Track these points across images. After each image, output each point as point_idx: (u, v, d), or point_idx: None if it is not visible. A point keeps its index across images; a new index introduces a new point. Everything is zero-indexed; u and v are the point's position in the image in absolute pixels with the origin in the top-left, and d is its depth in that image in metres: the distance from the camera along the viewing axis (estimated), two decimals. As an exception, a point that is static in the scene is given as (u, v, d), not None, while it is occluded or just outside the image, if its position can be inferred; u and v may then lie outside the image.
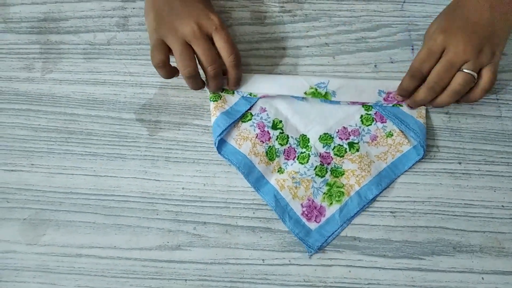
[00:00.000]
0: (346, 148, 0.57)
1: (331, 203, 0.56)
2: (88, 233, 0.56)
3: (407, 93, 0.55)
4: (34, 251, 0.56)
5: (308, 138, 0.58)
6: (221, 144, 0.57)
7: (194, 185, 0.57)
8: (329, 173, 0.57)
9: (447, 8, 0.55)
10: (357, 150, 0.57)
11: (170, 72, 0.53)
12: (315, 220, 0.56)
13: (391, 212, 0.56)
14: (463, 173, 0.57)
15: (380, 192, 0.56)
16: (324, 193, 0.56)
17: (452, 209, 0.56)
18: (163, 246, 0.56)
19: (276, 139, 0.58)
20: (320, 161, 0.57)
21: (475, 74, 0.51)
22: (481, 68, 0.52)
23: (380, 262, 0.55)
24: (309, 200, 0.56)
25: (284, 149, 0.58)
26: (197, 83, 0.55)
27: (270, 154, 0.57)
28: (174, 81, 0.60)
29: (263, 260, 0.55)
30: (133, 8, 0.62)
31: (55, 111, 0.60)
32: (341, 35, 0.61)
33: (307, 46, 0.61)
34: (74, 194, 0.57)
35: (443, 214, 0.56)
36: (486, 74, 0.52)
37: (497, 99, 0.59)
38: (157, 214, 0.57)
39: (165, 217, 0.56)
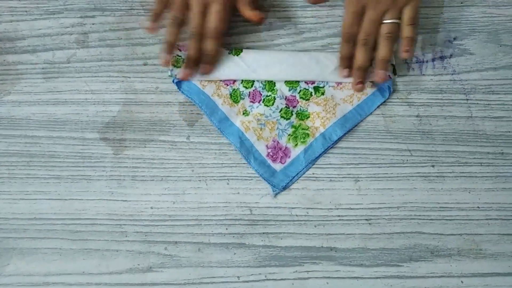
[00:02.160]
0: (311, 92, 0.58)
1: (296, 144, 0.57)
2: (55, 260, 0.54)
3: (347, 61, 0.56)
4: (-1, 282, 0.54)
5: (274, 82, 0.58)
6: (181, 82, 0.58)
7: (163, 203, 0.56)
8: (294, 115, 0.58)
9: None
10: (322, 94, 0.58)
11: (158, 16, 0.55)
12: (280, 161, 0.56)
13: (366, 219, 0.55)
14: (437, 176, 0.56)
15: (345, 134, 0.57)
16: (289, 135, 0.57)
17: (428, 213, 0.55)
18: (134, 269, 0.54)
19: (241, 82, 0.58)
20: (286, 103, 0.58)
21: (396, 20, 0.55)
22: (402, 10, 0.55)
23: (357, 271, 0.54)
24: (274, 141, 0.57)
25: (249, 92, 0.58)
26: (173, 33, 0.55)
27: (235, 96, 0.58)
28: (138, 96, 0.58)
29: (238, 277, 0.54)
30: (93, 24, 0.60)
31: (15, 134, 0.57)
32: (307, 42, 0.60)
33: (273, 55, 0.60)
34: (38, 220, 0.55)
35: (419, 219, 0.55)
36: (407, 13, 0.55)
37: (467, 100, 0.58)
38: (126, 236, 0.55)
39: (135, 239, 0.55)
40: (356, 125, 0.57)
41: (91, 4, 0.61)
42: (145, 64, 0.59)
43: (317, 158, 0.57)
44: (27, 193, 0.56)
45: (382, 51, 0.55)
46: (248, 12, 0.56)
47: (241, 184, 0.56)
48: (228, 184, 0.56)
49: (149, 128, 0.58)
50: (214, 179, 0.56)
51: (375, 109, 0.58)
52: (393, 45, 0.55)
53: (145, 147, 0.57)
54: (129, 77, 0.59)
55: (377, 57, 0.56)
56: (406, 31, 0.55)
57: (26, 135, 0.57)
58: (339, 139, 0.57)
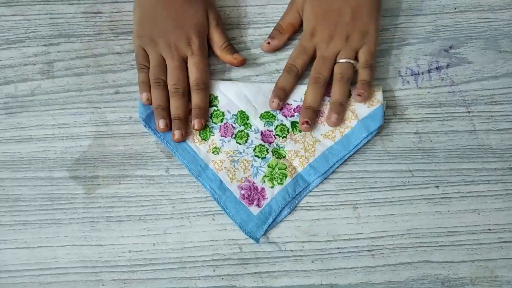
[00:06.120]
0: (288, 128, 0.53)
1: (272, 186, 0.51)
2: (23, 317, 0.49)
3: (284, 93, 0.53)
4: None
5: (248, 116, 0.53)
6: (150, 118, 0.53)
7: (142, 246, 0.50)
8: (270, 153, 0.52)
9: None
10: (300, 131, 0.53)
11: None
12: (257, 204, 0.51)
13: (368, 250, 0.50)
14: (442, 198, 0.52)
15: (325, 173, 0.52)
16: (265, 175, 0.52)
17: (435, 239, 0.51)
18: (113, 322, 0.48)
19: (210, 117, 0.53)
20: (261, 139, 0.53)
21: (351, 60, 0.52)
22: (357, 50, 0.53)
23: (362, 310, 0.49)
24: (249, 182, 0.51)
25: (220, 126, 0.53)
26: (160, 95, 0.52)
27: (204, 133, 0.53)
28: (110, 128, 0.53)
29: (230, 324, 0.48)
30: (58, 52, 0.56)
31: (-25, 177, 0.52)
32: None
33: (257, 75, 0.55)
34: (4, 273, 0.50)
35: (426, 246, 0.51)
36: (362, 56, 0.53)
37: (469, 112, 0.54)
38: (102, 285, 0.49)
39: (112, 287, 0.49)
40: (339, 163, 0.52)
41: (55, 30, 0.56)
42: (116, 93, 0.55)
43: (298, 200, 0.51)
44: (-10, 242, 0.51)
45: (335, 93, 0.52)
46: (227, 57, 0.54)
47: (228, 219, 0.51)
48: (213, 220, 0.51)
49: (124, 163, 0.53)
50: (198, 215, 0.51)
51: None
52: (347, 87, 0.52)
53: (120, 183, 0.52)
54: (100, 108, 0.54)
55: (331, 100, 0.53)
56: (361, 74, 0.52)
57: (-13, 177, 0.52)
58: (320, 179, 0.52)
